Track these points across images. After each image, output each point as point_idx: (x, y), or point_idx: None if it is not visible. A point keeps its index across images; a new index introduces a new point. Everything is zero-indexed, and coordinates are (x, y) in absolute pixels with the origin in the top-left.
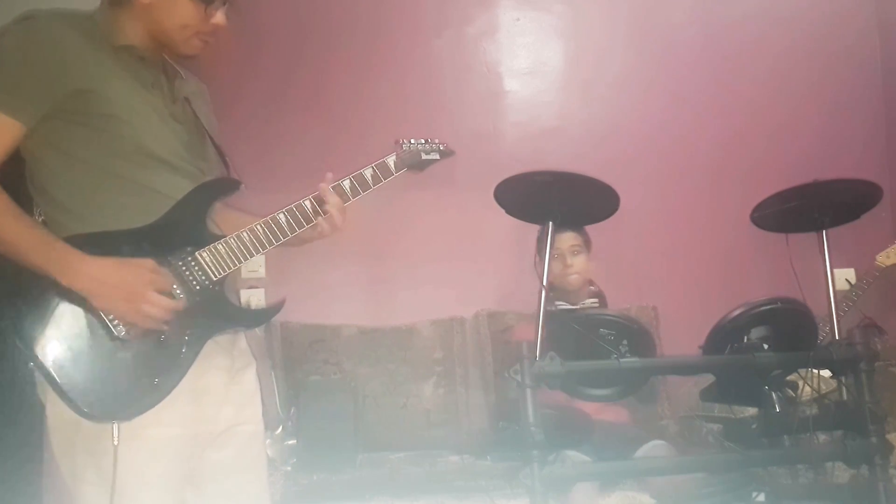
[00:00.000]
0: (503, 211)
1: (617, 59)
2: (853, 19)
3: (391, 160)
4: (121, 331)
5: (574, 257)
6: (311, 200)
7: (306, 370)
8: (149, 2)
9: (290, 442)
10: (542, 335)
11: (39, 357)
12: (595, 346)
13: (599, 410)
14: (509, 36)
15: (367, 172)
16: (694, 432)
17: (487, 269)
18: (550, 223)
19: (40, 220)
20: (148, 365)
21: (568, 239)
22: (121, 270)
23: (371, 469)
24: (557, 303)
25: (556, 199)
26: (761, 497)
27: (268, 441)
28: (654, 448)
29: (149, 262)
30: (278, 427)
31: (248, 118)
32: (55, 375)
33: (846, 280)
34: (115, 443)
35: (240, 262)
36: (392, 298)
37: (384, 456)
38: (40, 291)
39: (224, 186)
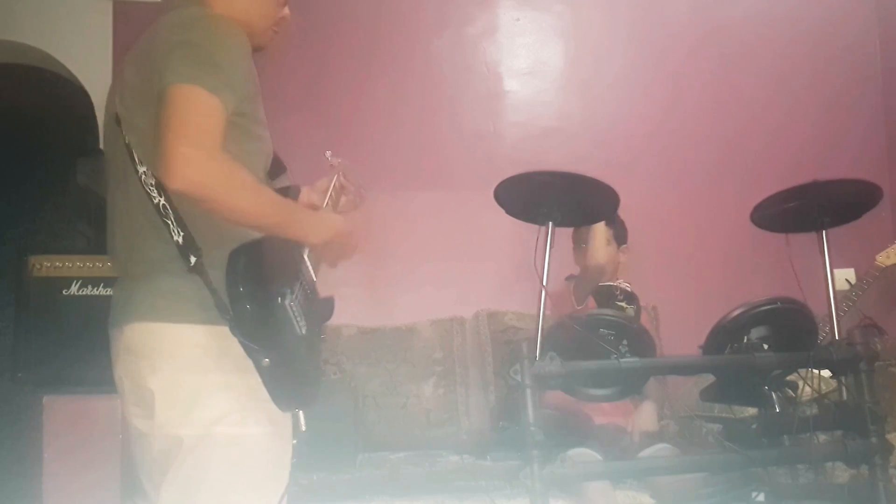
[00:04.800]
0: (503, 211)
1: (616, 59)
2: (853, 18)
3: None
4: (303, 328)
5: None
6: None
7: None
8: None
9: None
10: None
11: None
12: (595, 346)
13: (605, 412)
14: (509, 36)
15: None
16: (694, 432)
17: (487, 269)
18: (550, 223)
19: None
20: (314, 356)
21: (600, 227)
22: (346, 224)
23: (371, 469)
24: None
25: (556, 199)
26: (761, 497)
27: None
28: (659, 451)
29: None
30: None
31: None
32: (271, 372)
33: (846, 280)
34: (303, 429)
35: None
36: (392, 298)
37: (384, 456)
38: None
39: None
